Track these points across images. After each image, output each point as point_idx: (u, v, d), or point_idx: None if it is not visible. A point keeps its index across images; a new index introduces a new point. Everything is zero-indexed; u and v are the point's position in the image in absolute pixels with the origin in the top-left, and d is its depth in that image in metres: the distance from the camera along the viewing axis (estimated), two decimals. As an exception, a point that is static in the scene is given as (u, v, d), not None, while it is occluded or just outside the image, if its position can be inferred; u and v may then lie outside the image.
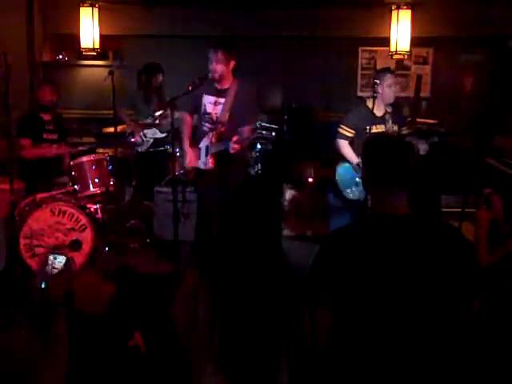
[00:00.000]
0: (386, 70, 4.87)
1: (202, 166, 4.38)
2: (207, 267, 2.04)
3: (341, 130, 4.74)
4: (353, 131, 4.68)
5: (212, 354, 1.95)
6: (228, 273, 1.99)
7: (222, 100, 4.28)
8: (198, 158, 4.42)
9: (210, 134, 4.30)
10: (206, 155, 4.32)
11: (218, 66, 4.18)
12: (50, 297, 1.91)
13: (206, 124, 4.36)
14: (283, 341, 2.00)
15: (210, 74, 4.22)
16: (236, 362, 1.94)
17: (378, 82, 4.62)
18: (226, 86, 4.30)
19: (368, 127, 4.58)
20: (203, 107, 4.35)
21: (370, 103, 4.66)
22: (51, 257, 1.92)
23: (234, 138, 4.07)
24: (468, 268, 1.90)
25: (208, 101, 4.33)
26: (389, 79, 4.64)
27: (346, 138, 4.72)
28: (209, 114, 4.33)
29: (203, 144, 4.38)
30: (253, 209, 2.04)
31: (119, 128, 5.40)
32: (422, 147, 4.50)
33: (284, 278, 2.02)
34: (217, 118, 4.30)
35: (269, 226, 2.04)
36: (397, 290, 1.83)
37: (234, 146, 4.09)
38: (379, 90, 4.63)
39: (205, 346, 1.96)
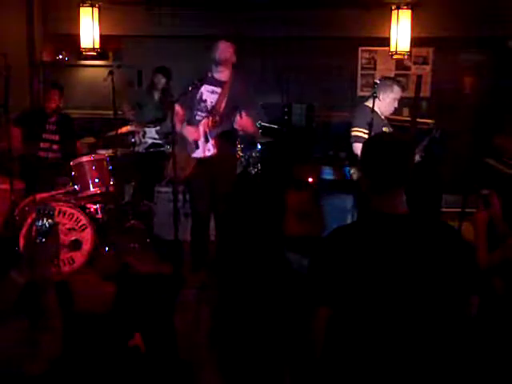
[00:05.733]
0: (396, 80, 4.53)
1: (206, 154, 4.37)
2: (212, 272, 2.04)
3: (355, 133, 4.42)
4: (367, 131, 4.32)
5: (213, 358, 1.95)
6: (233, 276, 2.00)
7: (219, 90, 4.34)
8: (196, 133, 4.39)
9: (205, 121, 4.33)
10: (207, 141, 4.33)
11: (226, 53, 4.29)
12: (37, 276, 1.90)
13: (199, 113, 4.38)
14: (286, 346, 1.99)
15: (214, 58, 4.28)
16: (238, 366, 1.94)
17: (383, 88, 4.39)
18: (224, 79, 4.36)
19: (381, 126, 4.33)
20: (199, 95, 4.38)
21: (370, 104, 4.40)
22: (37, 223, 1.89)
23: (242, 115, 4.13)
24: (465, 268, 1.90)
25: (206, 89, 4.39)
26: (398, 93, 4.38)
27: (362, 140, 4.28)
28: (204, 101, 4.37)
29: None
30: (256, 210, 2.05)
31: (124, 129, 5.42)
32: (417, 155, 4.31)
33: (287, 282, 2.02)
34: (212, 106, 4.34)
35: (271, 227, 2.04)
36: (395, 289, 1.83)
37: (240, 122, 4.14)
38: (381, 96, 4.40)
39: (206, 351, 1.96)
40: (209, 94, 4.37)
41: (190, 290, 2.14)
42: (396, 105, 4.49)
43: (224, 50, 4.28)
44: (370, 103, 4.45)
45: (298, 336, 1.99)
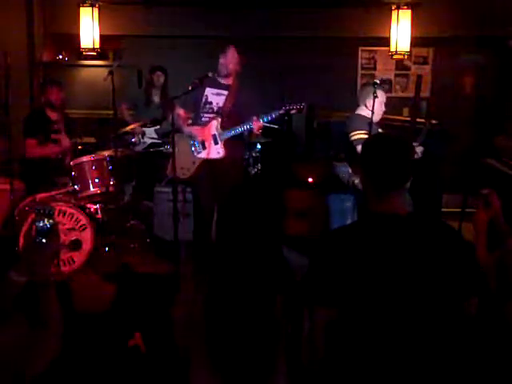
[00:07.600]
0: (377, 84, 4.40)
1: (215, 156, 4.38)
2: (206, 268, 2.05)
3: (355, 137, 4.36)
4: (366, 131, 4.30)
5: (209, 354, 1.95)
6: (226, 273, 2.00)
7: (225, 92, 4.38)
8: (205, 132, 4.42)
9: (214, 122, 4.34)
10: (216, 143, 4.34)
11: (237, 65, 4.37)
12: (37, 276, 1.90)
13: (206, 114, 4.41)
14: (280, 341, 1.99)
15: (218, 68, 4.35)
16: (231, 361, 1.94)
17: (368, 94, 4.38)
18: (229, 82, 4.42)
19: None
20: (204, 98, 4.41)
21: (361, 112, 4.46)
22: (37, 223, 1.90)
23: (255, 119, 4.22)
24: (466, 268, 1.90)
25: (210, 92, 4.42)
26: (383, 96, 4.40)
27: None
28: (210, 103, 4.41)
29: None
30: (252, 210, 2.05)
31: (128, 128, 5.43)
32: (418, 150, 4.35)
33: (282, 279, 2.02)
34: (218, 108, 4.38)
35: (268, 227, 2.04)
36: (395, 290, 1.83)
37: (257, 124, 4.22)
38: (368, 104, 4.39)
39: (203, 347, 1.96)
40: (214, 96, 4.41)
41: (188, 287, 2.15)
42: (383, 108, 4.51)
43: (233, 59, 4.34)
44: (360, 111, 4.51)
45: (295, 331, 1.99)
